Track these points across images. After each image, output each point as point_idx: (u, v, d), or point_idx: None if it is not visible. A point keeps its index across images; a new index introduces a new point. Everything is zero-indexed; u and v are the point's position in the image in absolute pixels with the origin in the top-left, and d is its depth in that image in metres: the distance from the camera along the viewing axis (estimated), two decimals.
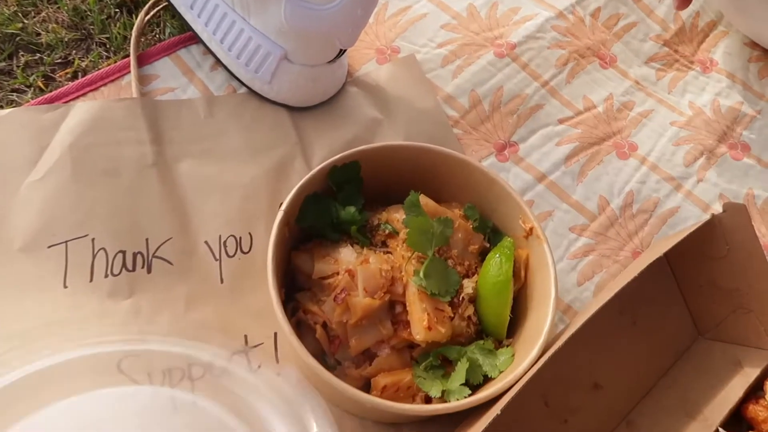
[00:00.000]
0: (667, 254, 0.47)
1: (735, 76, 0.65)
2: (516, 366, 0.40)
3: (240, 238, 0.48)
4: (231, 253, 0.48)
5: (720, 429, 0.42)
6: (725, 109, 0.63)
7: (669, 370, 0.47)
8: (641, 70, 0.64)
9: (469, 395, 0.40)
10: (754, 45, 0.67)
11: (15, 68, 0.54)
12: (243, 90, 0.55)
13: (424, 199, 0.44)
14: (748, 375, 0.45)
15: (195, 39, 0.56)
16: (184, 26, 0.57)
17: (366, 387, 0.42)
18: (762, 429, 0.43)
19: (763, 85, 0.64)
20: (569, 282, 0.52)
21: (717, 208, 0.57)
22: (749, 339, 0.46)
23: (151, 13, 0.57)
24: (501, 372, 0.41)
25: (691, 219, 0.56)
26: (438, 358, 0.42)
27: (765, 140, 0.61)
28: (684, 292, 0.49)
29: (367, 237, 0.45)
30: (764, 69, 0.65)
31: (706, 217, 0.43)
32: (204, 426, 0.38)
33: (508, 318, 0.43)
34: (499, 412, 0.34)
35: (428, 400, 0.41)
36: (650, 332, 0.47)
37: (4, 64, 0.54)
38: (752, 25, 0.64)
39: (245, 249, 0.48)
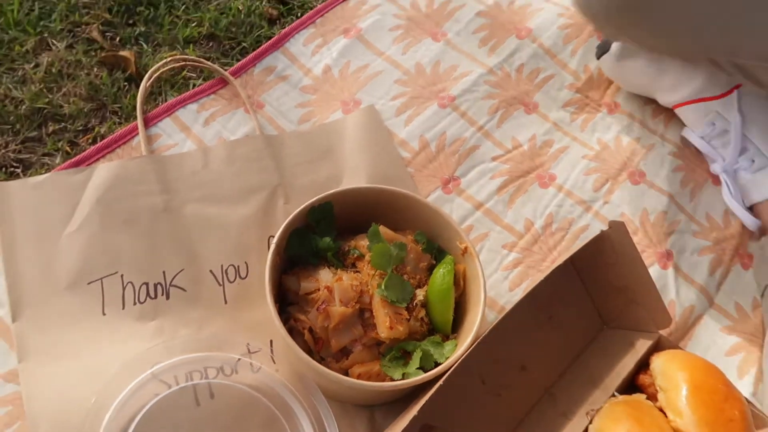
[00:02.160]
0: (574, 263, 0.60)
1: (634, 116, 0.79)
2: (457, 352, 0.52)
3: (238, 266, 0.59)
4: (231, 279, 0.59)
5: (615, 393, 0.55)
6: (626, 143, 0.77)
7: (581, 353, 0.60)
8: (558, 113, 0.78)
9: None
10: None
11: (45, 136, 0.65)
12: (233, 137, 0.66)
13: (383, 229, 0.56)
14: (639, 352, 0.57)
15: (190, 99, 0.68)
16: (181, 92, 0.69)
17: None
18: (648, 392, 0.55)
19: (656, 123, 0.79)
20: (503, 288, 0.65)
21: None
22: (639, 325, 0.58)
23: (151, 80, 0.68)
24: (447, 358, 0.53)
25: None
26: (399, 351, 0.53)
27: (657, 168, 0.75)
28: (590, 292, 0.61)
29: (340, 260, 0.56)
30: (656, 110, 0.80)
31: (598, 232, 0.56)
32: (226, 413, 0.49)
33: (452, 317, 0.55)
34: (442, 383, 0.47)
35: None
36: (564, 325, 0.60)
37: (35, 133, 0.65)
38: (622, 77, 0.78)
39: (242, 275, 0.59)
